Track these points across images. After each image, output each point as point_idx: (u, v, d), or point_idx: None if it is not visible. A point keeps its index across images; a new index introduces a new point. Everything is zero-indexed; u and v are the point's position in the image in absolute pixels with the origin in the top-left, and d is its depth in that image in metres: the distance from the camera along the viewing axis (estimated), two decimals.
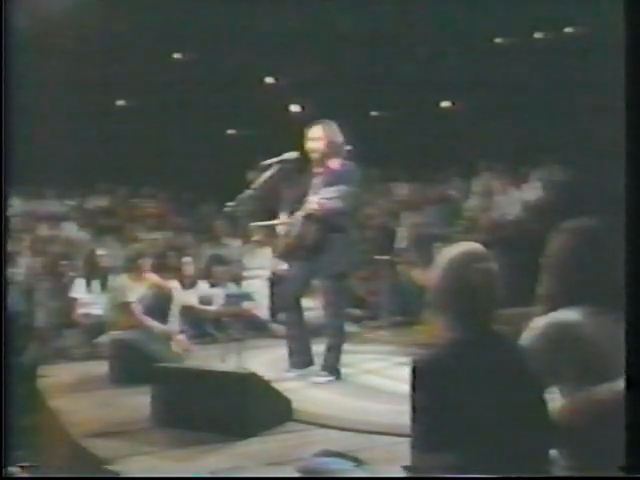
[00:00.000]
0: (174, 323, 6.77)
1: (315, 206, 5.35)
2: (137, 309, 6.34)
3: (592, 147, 8.21)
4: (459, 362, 2.31)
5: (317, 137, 5.49)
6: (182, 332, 6.78)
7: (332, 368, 5.46)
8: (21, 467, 3.76)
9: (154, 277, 6.66)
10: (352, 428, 4.32)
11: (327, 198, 5.32)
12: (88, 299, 7.41)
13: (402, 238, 9.26)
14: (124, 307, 6.36)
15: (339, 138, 5.53)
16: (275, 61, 12.57)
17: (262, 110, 13.03)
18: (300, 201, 5.51)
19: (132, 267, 6.64)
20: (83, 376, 5.87)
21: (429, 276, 2.57)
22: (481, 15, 10.12)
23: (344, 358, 5.60)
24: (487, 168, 9.90)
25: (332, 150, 5.47)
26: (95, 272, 7.59)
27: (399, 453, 3.09)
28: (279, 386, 4.68)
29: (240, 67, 12.17)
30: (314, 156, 5.51)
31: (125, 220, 10.58)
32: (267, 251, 8.33)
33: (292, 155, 5.49)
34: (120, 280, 6.72)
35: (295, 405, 4.57)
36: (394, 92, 12.42)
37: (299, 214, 5.45)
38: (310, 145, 5.51)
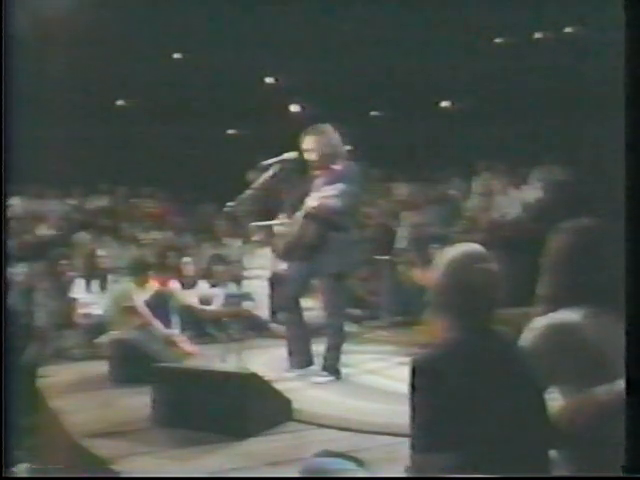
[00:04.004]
0: (178, 326, 6.80)
1: (314, 204, 5.34)
2: (145, 310, 6.38)
3: (592, 147, 8.20)
4: (459, 362, 2.31)
5: (310, 149, 5.44)
6: (185, 334, 6.82)
7: (332, 368, 5.46)
8: (21, 467, 3.77)
9: (157, 284, 6.74)
10: (352, 428, 4.31)
11: (326, 196, 5.32)
12: (88, 299, 7.41)
13: (402, 238, 9.26)
14: (130, 310, 6.39)
15: (333, 144, 5.43)
16: (275, 61, 12.58)
17: (262, 110, 13.04)
18: (300, 201, 5.50)
19: (136, 271, 6.70)
20: (83, 376, 5.87)
21: (429, 276, 2.57)
22: (481, 15, 10.12)
23: (344, 358, 5.60)
24: (487, 168, 9.89)
25: (327, 158, 5.41)
26: (95, 272, 7.59)
27: (399, 453, 3.09)
28: (279, 386, 4.68)
29: (240, 67, 12.17)
30: (311, 163, 5.50)
31: (125, 220, 10.58)
32: (267, 251, 8.33)
33: (292, 155, 5.48)
34: (124, 284, 6.77)
35: (295, 405, 4.57)
36: (394, 92, 12.43)
37: (299, 214, 5.45)
38: (305, 155, 5.48)
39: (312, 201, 5.36)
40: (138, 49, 11.77)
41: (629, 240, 2.43)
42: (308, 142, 5.44)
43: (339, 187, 5.30)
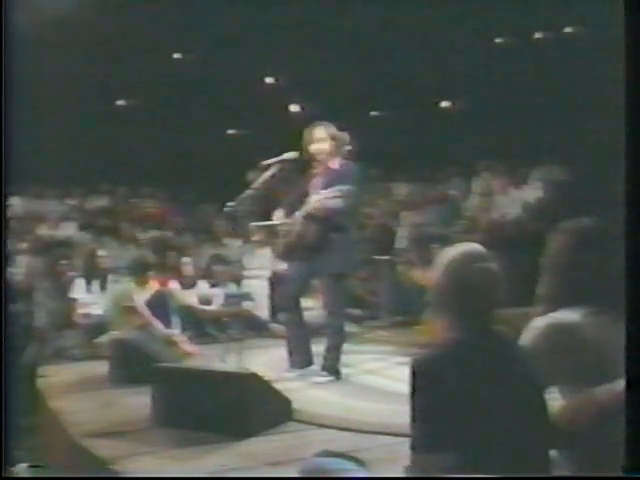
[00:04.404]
0: (178, 326, 6.80)
1: (317, 205, 5.34)
2: (145, 310, 6.39)
3: (592, 147, 8.20)
4: (459, 362, 2.31)
5: (322, 138, 5.48)
6: (185, 334, 6.83)
7: (332, 368, 5.46)
8: (22, 467, 3.76)
9: (157, 284, 6.75)
10: (352, 428, 4.32)
11: (328, 197, 5.32)
12: (88, 299, 7.41)
13: (402, 238, 9.26)
14: (130, 310, 6.39)
15: (343, 136, 5.53)
16: (275, 61, 12.57)
17: (262, 110, 13.03)
18: (300, 201, 5.50)
19: (136, 271, 6.71)
20: (83, 376, 5.87)
21: (429, 276, 2.57)
22: (481, 15, 10.11)
23: (344, 358, 5.60)
24: (487, 168, 9.89)
25: (337, 149, 5.48)
26: (95, 272, 7.59)
27: (399, 453, 3.09)
28: (279, 386, 4.68)
29: (240, 67, 12.16)
30: (320, 157, 5.51)
31: (125, 220, 10.58)
32: (267, 251, 8.34)
33: (292, 155, 5.48)
34: (124, 284, 6.77)
35: (295, 405, 4.57)
36: (394, 92, 12.43)
37: (299, 214, 5.45)
38: (316, 146, 5.49)
39: (314, 202, 5.36)
40: (138, 49, 11.77)
41: (629, 240, 2.43)
42: (320, 132, 5.49)
43: (342, 188, 5.30)
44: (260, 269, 8.40)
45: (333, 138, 5.47)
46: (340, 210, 5.36)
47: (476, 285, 2.37)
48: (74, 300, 7.41)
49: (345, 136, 5.55)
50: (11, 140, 3.39)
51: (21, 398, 4.35)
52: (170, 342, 6.28)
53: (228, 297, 8.02)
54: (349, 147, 5.60)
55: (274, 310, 7.91)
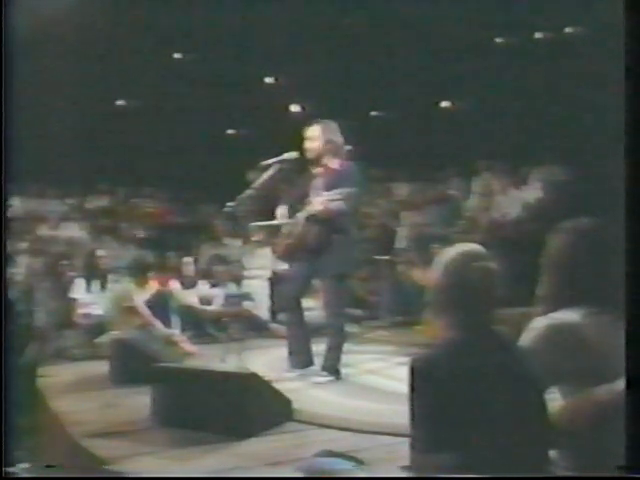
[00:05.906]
0: (178, 326, 6.81)
1: (320, 207, 5.33)
2: (145, 310, 6.39)
3: (592, 147, 8.20)
4: (458, 362, 2.31)
5: (314, 137, 5.48)
6: (185, 334, 6.83)
7: (332, 368, 5.46)
8: (22, 467, 3.76)
9: (157, 284, 6.76)
10: (352, 428, 4.31)
11: (331, 199, 5.30)
12: (88, 299, 7.42)
13: (402, 238, 9.27)
14: (130, 310, 6.40)
15: (337, 138, 5.50)
16: (275, 61, 12.58)
17: (262, 110, 13.04)
18: (300, 201, 5.50)
19: (136, 271, 6.72)
20: (83, 376, 5.87)
21: (429, 276, 2.57)
22: (481, 15, 10.12)
23: (344, 358, 5.60)
24: (487, 168, 9.90)
25: (329, 150, 5.45)
26: (95, 272, 7.60)
27: (399, 453, 3.09)
28: (279, 386, 4.68)
29: (240, 67, 12.17)
30: (310, 155, 5.50)
31: (125, 220, 10.59)
32: (267, 251, 8.34)
33: (292, 155, 5.48)
34: (124, 284, 6.78)
35: (295, 405, 4.57)
36: (394, 92, 12.43)
37: (301, 215, 5.45)
38: (307, 145, 5.51)
39: (317, 204, 5.34)
40: (138, 49, 11.78)
41: (629, 240, 2.43)
42: (313, 130, 5.48)
43: (343, 190, 5.28)
44: (260, 269, 8.41)
45: (325, 139, 5.44)
46: (342, 212, 5.35)
47: (476, 285, 2.37)
48: (74, 300, 7.41)
49: (339, 138, 5.52)
50: (11, 140, 3.39)
51: (21, 398, 4.35)
52: (170, 342, 6.29)
53: (228, 297, 8.02)
54: (349, 147, 5.60)
55: (274, 310, 7.91)
